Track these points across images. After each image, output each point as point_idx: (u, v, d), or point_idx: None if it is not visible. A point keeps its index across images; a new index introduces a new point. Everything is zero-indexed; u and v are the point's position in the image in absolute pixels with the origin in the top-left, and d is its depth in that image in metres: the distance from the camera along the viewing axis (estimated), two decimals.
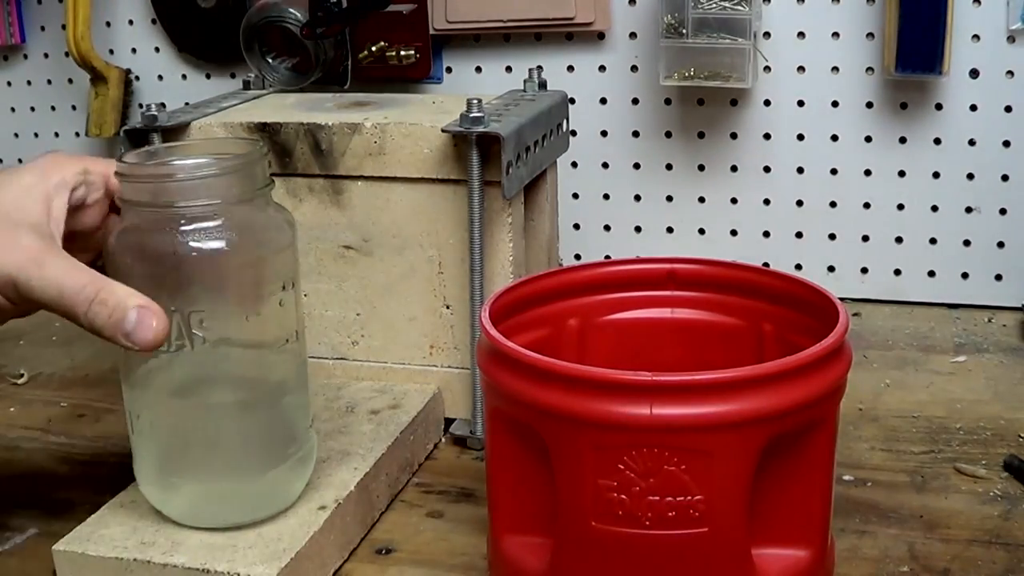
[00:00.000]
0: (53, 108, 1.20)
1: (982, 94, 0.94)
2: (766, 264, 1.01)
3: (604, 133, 1.03)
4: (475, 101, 0.71)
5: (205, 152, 0.61)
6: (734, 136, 1.01)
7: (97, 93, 1.13)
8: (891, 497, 0.68)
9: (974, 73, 0.94)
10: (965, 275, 0.99)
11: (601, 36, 1.01)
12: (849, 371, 0.54)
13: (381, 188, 0.75)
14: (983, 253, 0.98)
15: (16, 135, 1.23)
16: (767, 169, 1.01)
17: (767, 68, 0.98)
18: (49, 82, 1.19)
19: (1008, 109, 0.94)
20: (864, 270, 1.01)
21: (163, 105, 0.77)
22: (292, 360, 0.61)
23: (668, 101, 1.01)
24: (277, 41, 0.96)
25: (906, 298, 1.00)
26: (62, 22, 1.10)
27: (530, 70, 0.86)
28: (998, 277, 0.98)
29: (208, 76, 1.13)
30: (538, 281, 0.63)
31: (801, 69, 0.98)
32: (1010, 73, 0.93)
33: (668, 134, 1.02)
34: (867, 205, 1.00)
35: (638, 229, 1.05)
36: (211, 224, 0.56)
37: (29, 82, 1.19)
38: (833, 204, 1.00)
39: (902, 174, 0.98)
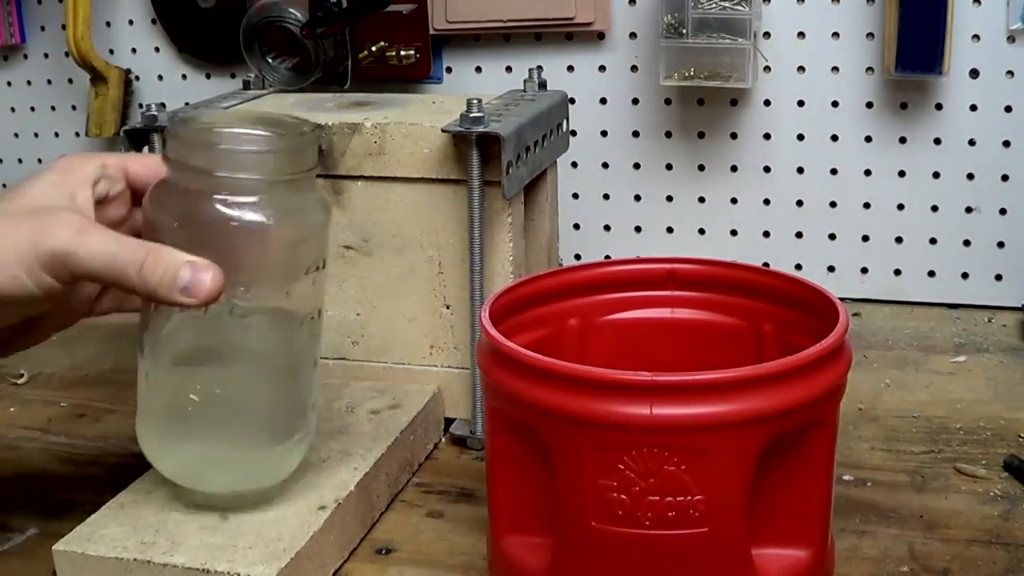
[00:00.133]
0: (53, 108, 1.20)
1: (982, 94, 0.94)
2: (766, 264, 1.01)
3: (604, 133, 1.03)
4: (475, 101, 0.71)
5: (257, 124, 0.60)
6: (734, 136, 1.01)
7: (97, 93, 1.13)
8: (891, 497, 0.68)
9: (974, 73, 0.94)
10: (965, 275, 0.99)
11: (601, 36, 1.01)
12: (849, 371, 0.54)
13: (381, 188, 0.75)
14: (983, 253, 0.98)
15: (16, 135, 1.22)
16: (767, 169, 1.01)
17: (767, 68, 0.98)
18: (49, 82, 1.19)
19: (1008, 109, 0.94)
20: (864, 270, 1.01)
21: (163, 105, 0.77)
22: (312, 337, 0.61)
23: (668, 101, 1.01)
24: (277, 41, 0.96)
25: (906, 298, 1.00)
26: (62, 22, 1.10)
27: (530, 70, 0.86)
28: (998, 277, 0.98)
29: (208, 76, 1.13)
30: (538, 281, 0.63)
31: (801, 69, 0.98)
32: (1010, 73, 0.93)
33: (668, 134, 1.02)
34: (867, 205, 1.00)
35: (638, 229, 1.05)
36: (260, 198, 0.56)
37: (29, 82, 1.19)
38: (833, 204, 1.00)
39: (902, 174, 0.98)
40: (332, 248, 0.74)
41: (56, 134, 1.21)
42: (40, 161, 1.23)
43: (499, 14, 0.99)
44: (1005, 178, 0.96)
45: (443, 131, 0.72)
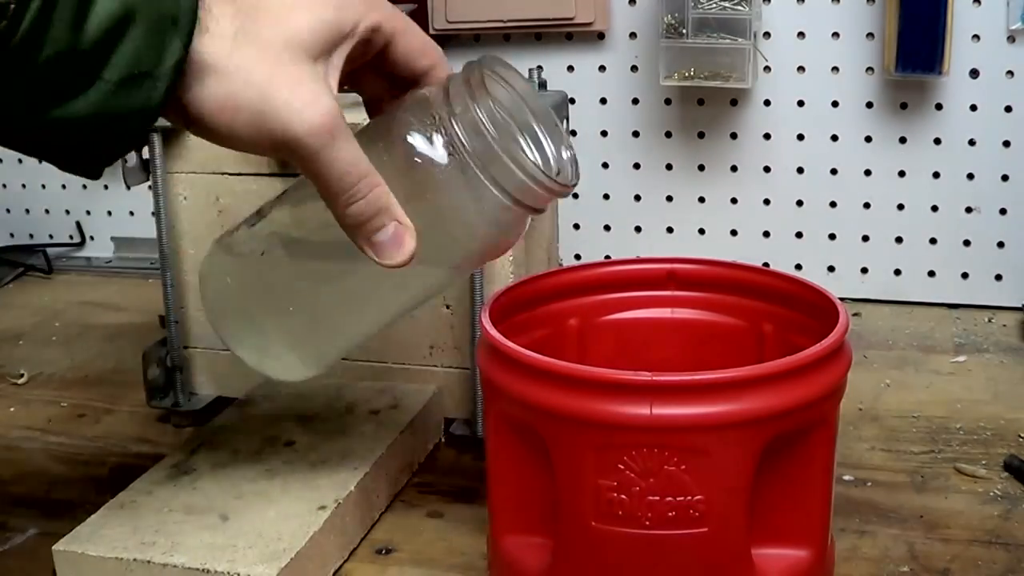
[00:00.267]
0: None
1: (982, 94, 0.94)
2: (766, 264, 1.01)
3: (604, 133, 1.03)
4: None
5: (555, 130, 0.57)
6: (734, 136, 1.01)
7: None
8: (891, 497, 0.68)
9: (974, 73, 0.94)
10: (965, 275, 0.99)
11: (601, 36, 1.01)
12: (849, 371, 0.54)
13: None
14: (983, 253, 0.98)
15: None
16: (767, 169, 1.01)
17: (767, 68, 0.98)
18: None
19: (1008, 109, 0.94)
20: (864, 270, 1.01)
21: None
22: (413, 304, 0.59)
23: (668, 101, 1.01)
24: None
25: (906, 298, 1.00)
26: None
27: (530, 70, 0.86)
28: (998, 277, 0.98)
29: None
30: (538, 281, 0.63)
31: (801, 69, 0.98)
32: (1010, 73, 0.93)
33: (668, 134, 1.02)
34: (867, 205, 1.00)
35: (638, 229, 1.05)
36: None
37: None
38: (833, 204, 1.01)
39: (902, 174, 0.98)
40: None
41: None
42: (40, 161, 1.22)
43: (499, 14, 0.99)
44: (1005, 178, 0.96)
45: None
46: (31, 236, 1.26)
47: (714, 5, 0.92)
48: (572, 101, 0.99)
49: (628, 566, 0.51)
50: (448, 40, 1.03)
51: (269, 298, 0.58)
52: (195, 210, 0.78)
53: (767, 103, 0.99)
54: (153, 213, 0.78)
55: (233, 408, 0.75)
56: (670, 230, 1.05)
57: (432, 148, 0.52)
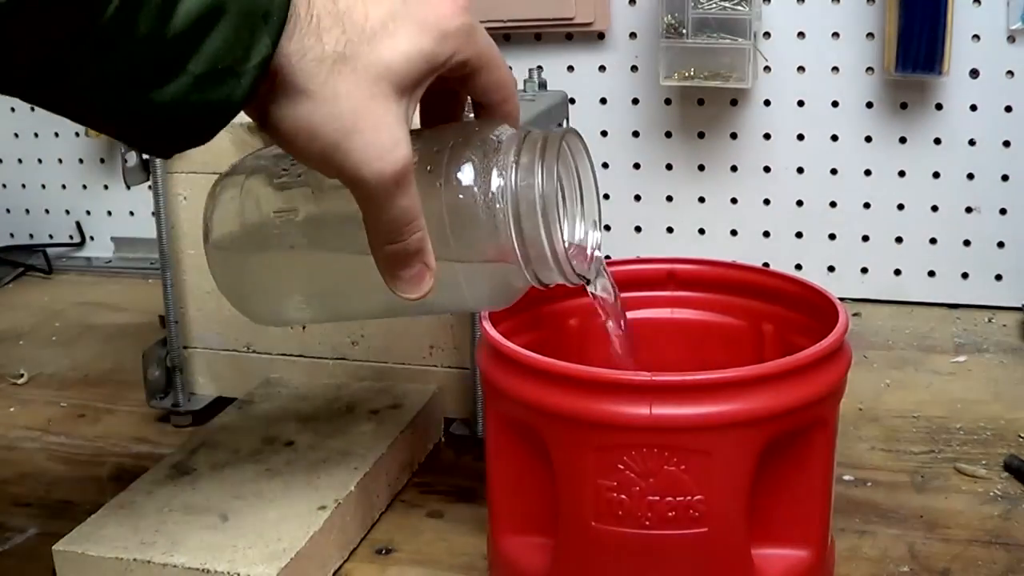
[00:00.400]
0: None
1: (982, 94, 0.94)
2: (766, 264, 1.01)
3: (604, 133, 1.03)
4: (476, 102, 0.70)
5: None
6: (734, 136, 1.01)
7: None
8: (891, 497, 0.68)
9: (974, 73, 0.94)
10: (965, 275, 0.99)
11: (601, 36, 1.01)
12: (849, 371, 0.54)
13: None
14: (983, 253, 0.98)
15: (16, 135, 1.23)
16: (767, 169, 1.01)
17: (767, 68, 0.98)
18: None
19: (1008, 109, 0.94)
20: (864, 270, 1.01)
21: None
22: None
23: (668, 101, 1.01)
24: None
25: (906, 298, 1.00)
26: None
27: (530, 70, 0.86)
28: (998, 277, 0.98)
29: None
30: None
31: (801, 69, 0.98)
32: (1010, 73, 0.93)
33: (668, 134, 1.02)
34: (867, 205, 1.00)
35: (638, 229, 1.05)
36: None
37: None
38: (833, 204, 1.01)
39: (902, 174, 0.98)
40: None
41: (56, 134, 1.21)
42: (40, 161, 1.23)
43: (499, 14, 0.99)
44: (1005, 178, 0.96)
45: None
46: (31, 236, 1.26)
47: (714, 5, 0.92)
48: (572, 101, 0.99)
49: (628, 566, 0.51)
50: None
51: (272, 272, 0.57)
52: (195, 210, 0.77)
53: (767, 103, 0.99)
54: (153, 213, 0.78)
55: (233, 408, 0.75)
56: (670, 230, 1.05)
57: (481, 196, 0.51)
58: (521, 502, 0.55)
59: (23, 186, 1.25)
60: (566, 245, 0.53)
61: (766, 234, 1.03)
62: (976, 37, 0.93)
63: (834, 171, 1.00)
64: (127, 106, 0.43)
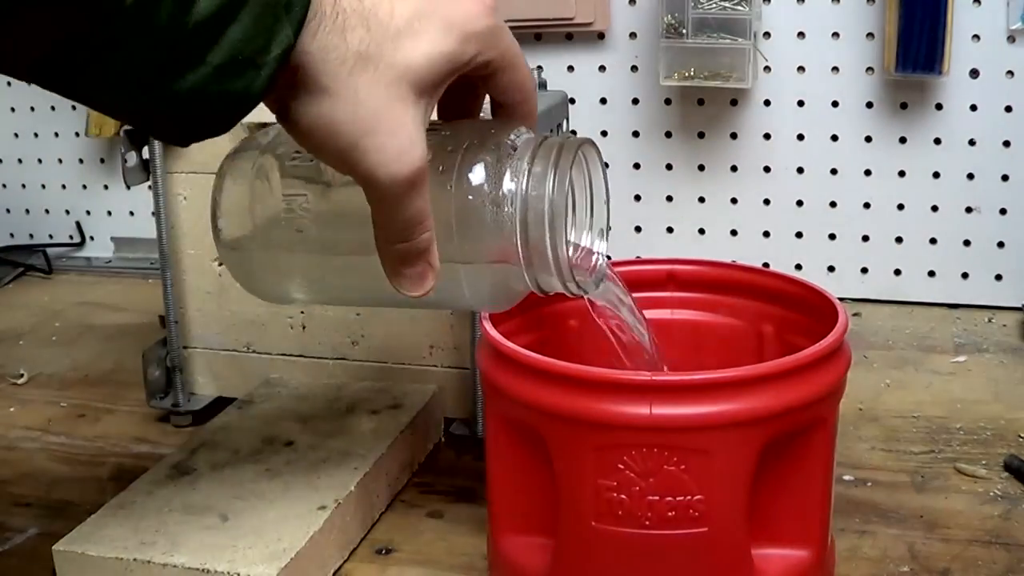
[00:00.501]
0: (53, 108, 1.20)
1: (982, 94, 0.94)
2: (766, 264, 1.01)
3: (604, 133, 1.03)
4: None
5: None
6: (734, 136, 1.01)
7: None
8: (891, 497, 0.68)
9: (974, 73, 0.94)
10: (965, 275, 0.99)
11: (601, 36, 1.01)
12: (849, 371, 0.54)
13: None
14: (983, 253, 0.98)
15: (16, 135, 1.23)
16: (767, 169, 1.01)
17: (767, 68, 0.98)
18: None
19: (1008, 109, 0.94)
20: (864, 270, 1.01)
21: None
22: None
23: (668, 101, 1.01)
24: None
25: (906, 298, 1.00)
26: None
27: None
28: (998, 277, 0.98)
29: None
30: None
31: (801, 69, 0.98)
32: (1010, 73, 0.93)
33: (668, 134, 1.02)
34: (867, 205, 1.00)
35: (638, 229, 1.05)
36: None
37: None
38: (833, 204, 1.01)
39: (902, 174, 0.98)
40: None
41: (56, 134, 1.21)
42: (40, 161, 1.23)
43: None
44: (1005, 178, 0.96)
45: None
46: (31, 236, 1.26)
47: (714, 5, 0.92)
48: (572, 101, 0.99)
49: (628, 566, 0.51)
50: None
51: (277, 252, 0.57)
52: (195, 210, 0.78)
53: (767, 103, 0.99)
54: (153, 213, 0.78)
55: (233, 408, 0.75)
56: (670, 230, 1.05)
57: (491, 200, 0.51)
58: (521, 502, 0.55)
59: (23, 186, 1.25)
60: (571, 252, 0.53)
61: (766, 234, 1.03)
62: (976, 37, 0.93)
63: (834, 171, 1.00)
64: (146, 95, 0.43)
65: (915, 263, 1.00)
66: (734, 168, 1.02)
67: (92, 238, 1.24)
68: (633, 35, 1.00)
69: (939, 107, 0.96)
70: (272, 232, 0.56)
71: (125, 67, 0.42)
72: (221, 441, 0.70)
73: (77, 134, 1.20)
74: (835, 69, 0.97)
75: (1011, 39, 0.93)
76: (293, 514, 0.61)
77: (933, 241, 0.99)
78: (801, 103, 0.99)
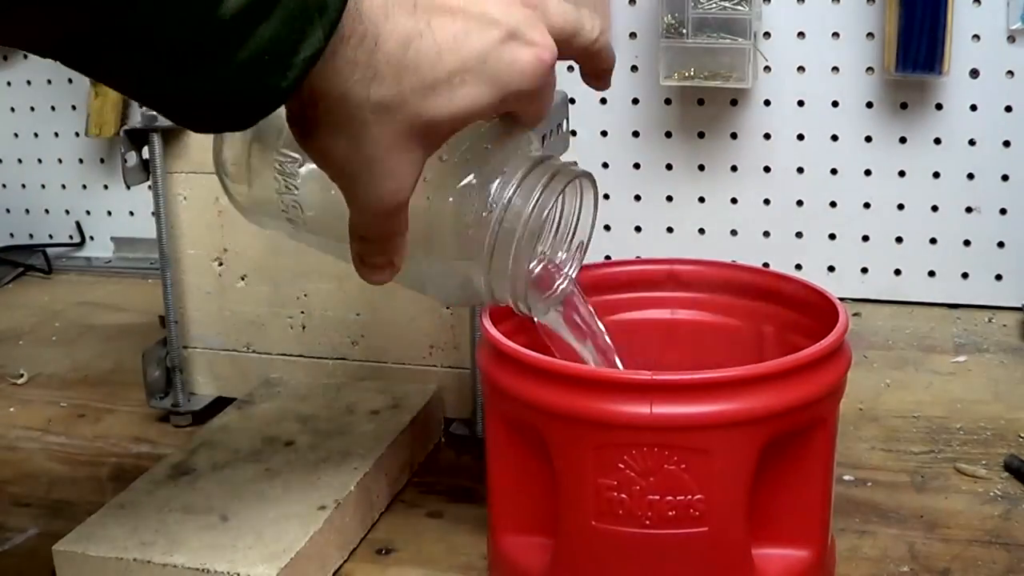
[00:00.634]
0: (53, 108, 1.20)
1: (982, 94, 0.94)
2: (766, 264, 1.01)
3: (604, 133, 1.03)
4: None
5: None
6: (734, 136, 1.01)
7: (97, 93, 1.12)
8: (891, 497, 0.68)
9: (974, 73, 0.94)
10: (965, 275, 0.99)
11: None
12: (849, 371, 0.54)
13: None
14: (983, 253, 0.98)
15: (16, 135, 1.23)
16: (767, 169, 1.01)
17: (767, 68, 0.98)
18: (49, 82, 1.19)
19: (1008, 109, 0.94)
20: (864, 270, 1.01)
21: None
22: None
23: (668, 101, 1.01)
24: None
25: (906, 298, 1.00)
26: None
27: None
28: (998, 277, 0.98)
29: None
30: None
31: (801, 69, 0.98)
32: (1010, 73, 0.93)
33: (668, 134, 1.02)
34: (867, 205, 1.00)
35: (638, 229, 1.05)
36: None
37: (29, 82, 1.19)
38: (833, 204, 1.00)
39: (902, 174, 0.98)
40: None
41: (56, 134, 1.21)
42: (40, 161, 1.23)
43: None
44: (1005, 178, 0.96)
45: None
46: (31, 236, 1.26)
47: (714, 5, 0.92)
48: (572, 101, 0.98)
49: (628, 566, 0.51)
50: None
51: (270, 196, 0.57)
52: (195, 210, 0.78)
53: (767, 103, 0.99)
54: (153, 213, 0.78)
55: (233, 408, 0.75)
56: (670, 230, 1.05)
57: (471, 210, 0.51)
58: (521, 502, 0.55)
59: (23, 186, 1.25)
60: (538, 269, 0.54)
61: (766, 234, 1.03)
62: (976, 37, 0.93)
63: (834, 171, 1.00)
64: (172, 86, 0.43)
65: (915, 263, 1.00)
66: (734, 168, 1.02)
67: (92, 238, 1.24)
68: (633, 35, 1.00)
69: (939, 107, 0.96)
70: (266, 186, 0.56)
71: (151, 57, 0.41)
72: (221, 441, 0.70)
73: (77, 134, 1.20)
74: (835, 69, 0.97)
75: (1011, 39, 0.93)
76: (293, 514, 0.61)
77: (933, 241, 0.99)
78: (801, 103, 0.99)
